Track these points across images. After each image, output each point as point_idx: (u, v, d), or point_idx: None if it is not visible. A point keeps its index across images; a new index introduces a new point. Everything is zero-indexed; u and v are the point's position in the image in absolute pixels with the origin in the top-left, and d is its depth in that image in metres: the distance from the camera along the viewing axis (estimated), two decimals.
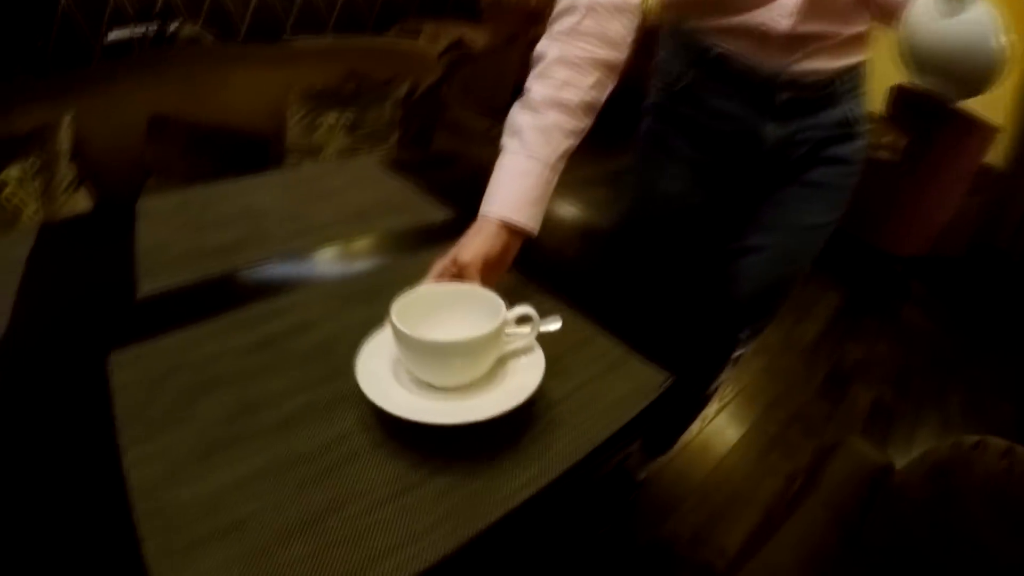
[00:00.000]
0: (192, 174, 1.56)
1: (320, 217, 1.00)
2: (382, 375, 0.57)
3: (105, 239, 0.95)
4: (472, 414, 0.52)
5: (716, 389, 1.50)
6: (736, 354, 1.13)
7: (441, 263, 0.66)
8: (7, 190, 1.40)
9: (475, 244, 0.66)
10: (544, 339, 0.62)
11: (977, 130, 3.02)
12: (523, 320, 0.60)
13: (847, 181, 0.96)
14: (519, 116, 0.72)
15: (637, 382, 0.66)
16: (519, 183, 0.69)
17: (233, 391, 0.62)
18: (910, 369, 2.48)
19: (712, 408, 1.96)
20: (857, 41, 0.85)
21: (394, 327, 0.54)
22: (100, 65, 1.96)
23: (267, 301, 0.77)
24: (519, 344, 0.61)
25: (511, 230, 0.68)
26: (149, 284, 0.80)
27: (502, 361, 0.60)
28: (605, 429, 0.60)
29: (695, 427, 1.86)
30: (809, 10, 0.78)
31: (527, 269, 0.80)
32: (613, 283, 0.85)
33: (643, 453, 1.52)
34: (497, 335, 0.56)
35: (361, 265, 0.90)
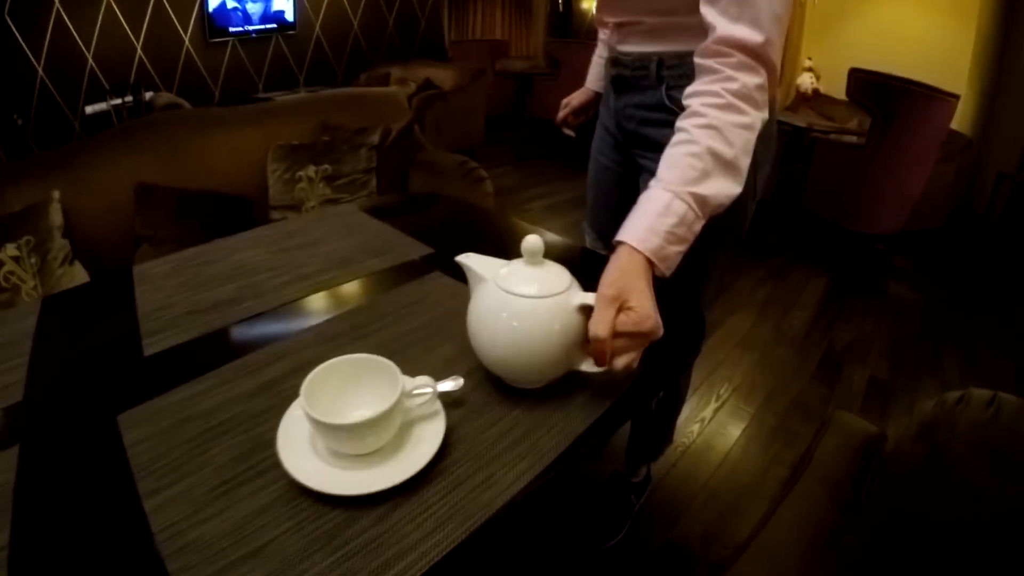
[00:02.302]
0: (182, 239, 1.61)
1: (307, 267, 1.05)
2: (300, 446, 0.61)
3: (107, 305, 0.99)
4: (376, 483, 0.56)
5: (688, 374, 1.53)
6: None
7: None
8: (5, 268, 1.45)
9: None
10: None
11: (936, 101, 3.02)
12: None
13: None
14: None
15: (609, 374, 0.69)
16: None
17: (242, 433, 0.65)
18: (902, 342, 2.50)
19: (709, 409, 2.00)
20: (671, 29, 0.92)
21: (306, 414, 0.57)
22: (81, 140, 2.00)
23: (265, 349, 0.81)
24: (422, 411, 0.64)
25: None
26: (154, 343, 0.84)
27: (409, 425, 0.63)
28: (584, 422, 0.66)
29: (695, 429, 1.89)
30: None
31: None
32: None
33: (639, 456, 1.55)
34: (395, 409, 0.59)
35: (349, 306, 0.94)
